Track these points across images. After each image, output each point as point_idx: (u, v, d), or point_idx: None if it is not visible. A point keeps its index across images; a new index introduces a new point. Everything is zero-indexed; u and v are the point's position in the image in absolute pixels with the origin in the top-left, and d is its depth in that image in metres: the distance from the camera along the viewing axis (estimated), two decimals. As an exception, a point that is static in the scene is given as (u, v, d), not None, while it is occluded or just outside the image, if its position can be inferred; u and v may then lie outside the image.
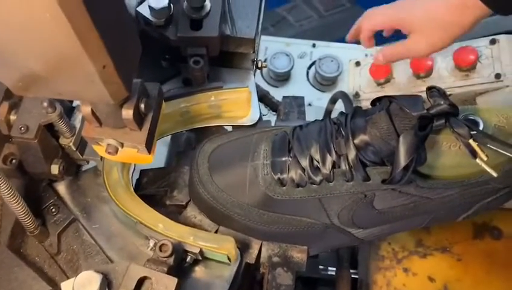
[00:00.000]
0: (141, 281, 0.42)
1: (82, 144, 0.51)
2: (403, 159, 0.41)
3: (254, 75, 0.62)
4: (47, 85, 0.34)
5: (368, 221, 0.49)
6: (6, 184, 0.43)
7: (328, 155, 0.46)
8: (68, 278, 0.50)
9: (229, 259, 0.49)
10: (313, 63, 1.06)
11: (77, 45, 0.28)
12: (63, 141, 0.50)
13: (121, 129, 0.42)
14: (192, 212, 0.54)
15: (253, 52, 0.59)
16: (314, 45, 1.10)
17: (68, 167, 0.52)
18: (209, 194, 0.50)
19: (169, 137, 0.78)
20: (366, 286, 0.67)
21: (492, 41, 0.74)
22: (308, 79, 1.07)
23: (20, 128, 0.46)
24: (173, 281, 0.42)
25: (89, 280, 0.40)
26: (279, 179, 0.48)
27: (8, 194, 0.43)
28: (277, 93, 0.86)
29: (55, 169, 0.50)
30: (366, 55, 1.04)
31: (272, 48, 1.06)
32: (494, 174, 0.42)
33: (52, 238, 0.51)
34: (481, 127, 0.42)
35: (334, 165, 0.46)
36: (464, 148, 0.41)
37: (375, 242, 0.67)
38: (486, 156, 0.41)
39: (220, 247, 0.48)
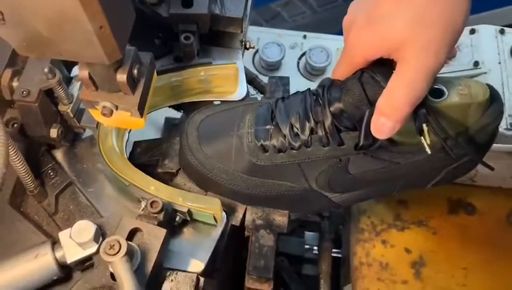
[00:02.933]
0: (133, 233, 0.46)
1: (79, 112, 0.55)
2: (364, 128, 0.45)
3: (242, 54, 0.66)
4: (49, 45, 0.37)
5: (343, 185, 0.52)
6: (11, 145, 0.47)
7: (306, 122, 0.49)
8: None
9: (215, 220, 0.53)
10: (304, 54, 1.10)
11: (77, 5, 0.32)
12: (61, 107, 0.53)
13: (115, 93, 0.46)
14: (182, 179, 0.58)
15: (241, 32, 0.63)
16: (305, 36, 1.13)
17: (66, 132, 0.56)
18: (198, 161, 0.54)
19: (163, 118, 0.82)
20: (347, 259, 0.71)
21: (472, 31, 0.78)
22: (298, 69, 1.10)
23: (22, 92, 0.50)
24: (162, 231, 0.46)
25: (84, 228, 0.44)
26: (262, 145, 0.51)
27: (11, 154, 0.47)
28: (268, 82, 0.90)
29: (54, 133, 0.53)
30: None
31: (264, 39, 1.10)
32: (428, 151, 0.45)
33: (50, 199, 0.54)
34: (446, 95, 0.46)
35: (312, 132, 0.49)
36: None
37: (355, 216, 0.71)
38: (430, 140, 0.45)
39: (207, 207, 0.52)
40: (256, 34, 1.11)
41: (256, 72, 1.08)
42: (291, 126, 0.50)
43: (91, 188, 0.56)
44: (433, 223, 0.70)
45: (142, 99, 0.46)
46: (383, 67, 0.45)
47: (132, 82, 0.45)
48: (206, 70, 0.61)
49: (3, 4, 0.33)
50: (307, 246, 0.91)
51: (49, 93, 0.52)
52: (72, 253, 0.45)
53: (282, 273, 0.86)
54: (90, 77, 0.44)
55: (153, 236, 0.45)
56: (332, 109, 0.48)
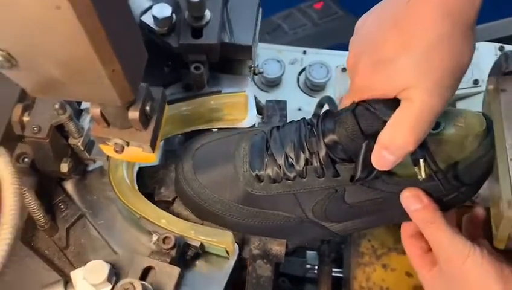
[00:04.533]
0: (146, 271, 0.45)
1: (89, 145, 0.55)
2: (361, 162, 0.45)
3: (252, 80, 0.66)
4: (61, 87, 0.38)
5: (340, 215, 0.52)
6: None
7: (301, 153, 0.49)
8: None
9: (227, 253, 0.53)
10: (304, 69, 1.10)
11: (90, 51, 0.32)
12: (72, 141, 0.53)
13: (127, 129, 0.46)
14: (178, 208, 0.58)
15: (250, 59, 0.63)
16: (304, 52, 1.13)
17: (76, 166, 0.55)
18: (193, 190, 0.54)
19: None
20: (348, 282, 0.70)
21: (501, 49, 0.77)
22: (298, 85, 1.10)
23: (33, 129, 0.50)
24: (176, 270, 0.45)
25: (97, 268, 0.43)
26: (257, 175, 0.51)
27: (23, 192, 0.47)
28: (268, 98, 0.90)
29: (64, 167, 0.53)
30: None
31: (263, 55, 1.09)
32: (420, 178, 0.45)
33: (61, 233, 0.54)
34: (441, 127, 0.46)
35: (307, 162, 0.49)
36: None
37: (355, 239, 0.70)
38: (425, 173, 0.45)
39: (219, 241, 0.52)
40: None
41: (256, 88, 1.08)
42: (286, 156, 0.50)
43: (101, 220, 0.56)
44: (434, 246, 0.69)
45: (154, 135, 0.46)
46: (380, 101, 0.45)
47: (144, 119, 0.45)
48: (216, 99, 0.61)
49: (16, 49, 0.33)
50: (308, 266, 0.90)
51: (59, 128, 0.52)
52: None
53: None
54: (102, 114, 0.44)
55: (167, 275, 0.45)
56: (326, 140, 0.47)
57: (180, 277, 0.46)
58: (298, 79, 1.11)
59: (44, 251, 0.54)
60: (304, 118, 0.52)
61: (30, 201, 0.49)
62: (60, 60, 0.33)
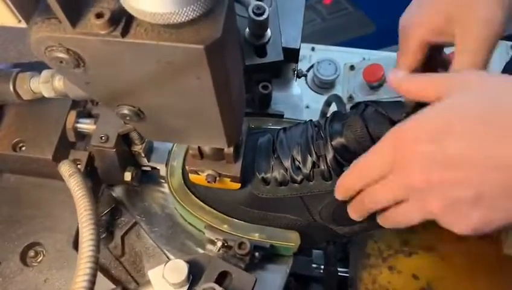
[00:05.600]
0: (221, 275, 0.44)
1: (149, 151, 0.55)
2: None
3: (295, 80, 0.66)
4: (176, 134, 0.40)
5: (347, 218, 0.51)
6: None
7: (308, 156, 0.48)
8: (133, 278, 0.53)
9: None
10: (312, 66, 1.09)
11: (215, 108, 0.34)
12: (134, 148, 0.53)
13: (219, 162, 0.47)
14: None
15: (296, 62, 0.63)
16: (313, 49, 1.12)
17: (138, 174, 0.56)
18: (199, 193, 0.53)
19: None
20: (354, 283, 0.69)
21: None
22: (306, 82, 1.09)
23: (101, 138, 0.50)
24: (252, 279, 0.44)
25: (177, 267, 0.42)
26: (263, 178, 0.50)
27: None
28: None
29: (128, 176, 0.53)
30: (363, 59, 1.07)
31: (271, 52, 1.08)
32: None
33: (116, 241, 0.54)
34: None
35: (314, 165, 0.48)
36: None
37: (361, 240, 0.69)
38: None
39: (288, 240, 0.52)
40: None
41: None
42: (293, 159, 0.49)
43: (156, 227, 0.56)
44: (442, 249, 0.68)
45: (242, 167, 0.48)
46: (389, 103, 0.44)
47: (236, 153, 0.46)
48: (276, 122, 0.60)
49: (148, 106, 0.35)
50: (314, 265, 0.89)
51: (124, 136, 0.52)
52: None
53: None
54: (199, 149, 0.45)
55: (242, 282, 0.44)
56: (334, 143, 0.47)
57: (255, 286, 0.45)
58: (306, 76, 1.10)
59: (101, 260, 0.53)
60: (311, 120, 0.52)
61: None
62: (185, 116, 0.36)
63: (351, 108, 0.50)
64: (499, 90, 0.34)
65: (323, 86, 1.08)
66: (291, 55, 0.60)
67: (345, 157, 0.47)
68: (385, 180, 0.37)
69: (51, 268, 0.48)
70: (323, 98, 1.01)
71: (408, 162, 0.35)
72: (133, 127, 0.50)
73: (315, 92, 1.09)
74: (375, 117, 0.44)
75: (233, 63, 0.34)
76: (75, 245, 0.50)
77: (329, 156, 0.47)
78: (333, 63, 1.06)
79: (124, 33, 0.28)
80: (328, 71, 1.06)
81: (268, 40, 0.56)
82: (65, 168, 0.47)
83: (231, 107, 0.36)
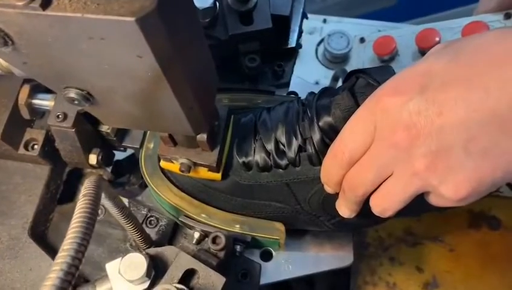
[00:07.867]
0: (188, 273, 0.40)
1: (121, 132, 0.51)
2: None
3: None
4: (137, 121, 0.37)
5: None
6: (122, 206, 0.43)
7: (293, 138, 0.43)
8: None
9: (279, 245, 0.49)
10: (322, 40, 1.02)
11: (170, 94, 0.31)
12: (101, 127, 0.49)
13: (193, 149, 0.43)
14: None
15: (287, 31, 0.57)
16: (325, 20, 1.05)
17: (106, 157, 0.51)
18: (176, 180, 0.49)
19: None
20: (351, 275, 0.65)
21: (507, 16, 0.69)
22: (317, 56, 1.03)
23: (58, 116, 0.46)
24: (221, 280, 0.39)
25: (135, 262, 0.38)
26: (244, 162, 0.46)
27: (121, 215, 0.43)
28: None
29: (93, 159, 0.49)
30: (379, 31, 1.00)
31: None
32: None
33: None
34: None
35: (301, 149, 0.43)
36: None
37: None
38: None
39: (272, 233, 0.47)
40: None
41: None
42: (276, 142, 0.44)
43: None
44: (449, 239, 0.63)
45: (220, 156, 0.44)
46: (379, 69, 0.39)
47: (211, 140, 0.42)
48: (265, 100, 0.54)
49: (96, 90, 0.32)
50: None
51: (86, 114, 0.47)
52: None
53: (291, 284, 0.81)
54: (170, 136, 0.42)
55: (210, 283, 0.39)
56: (321, 123, 0.42)
57: (225, 288, 0.40)
58: (317, 50, 1.03)
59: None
60: (299, 97, 0.46)
61: (129, 225, 0.44)
62: (137, 100, 0.33)
63: (343, 81, 0.44)
64: (469, 37, 0.33)
65: (334, 60, 1.01)
66: (281, 23, 0.54)
67: (333, 138, 0.41)
68: (368, 151, 0.35)
69: (3, 257, 0.45)
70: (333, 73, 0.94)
71: (391, 121, 0.33)
72: None
73: (326, 67, 1.02)
74: (366, 91, 0.39)
75: (188, 36, 0.29)
76: (32, 233, 0.46)
77: (316, 138, 0.42)
78: (345, 36, 0.99)
79: (45, 5, 0.24)
80: (340, 44, 0.99)
81: (255, 5, 0.51)
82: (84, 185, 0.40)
83: (190, 89, 0.32)
